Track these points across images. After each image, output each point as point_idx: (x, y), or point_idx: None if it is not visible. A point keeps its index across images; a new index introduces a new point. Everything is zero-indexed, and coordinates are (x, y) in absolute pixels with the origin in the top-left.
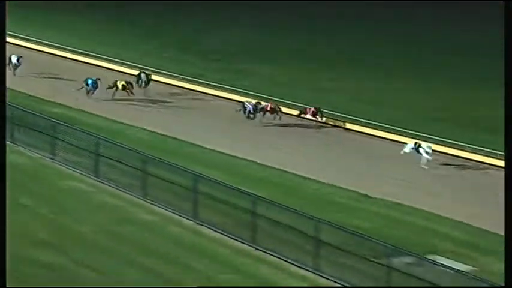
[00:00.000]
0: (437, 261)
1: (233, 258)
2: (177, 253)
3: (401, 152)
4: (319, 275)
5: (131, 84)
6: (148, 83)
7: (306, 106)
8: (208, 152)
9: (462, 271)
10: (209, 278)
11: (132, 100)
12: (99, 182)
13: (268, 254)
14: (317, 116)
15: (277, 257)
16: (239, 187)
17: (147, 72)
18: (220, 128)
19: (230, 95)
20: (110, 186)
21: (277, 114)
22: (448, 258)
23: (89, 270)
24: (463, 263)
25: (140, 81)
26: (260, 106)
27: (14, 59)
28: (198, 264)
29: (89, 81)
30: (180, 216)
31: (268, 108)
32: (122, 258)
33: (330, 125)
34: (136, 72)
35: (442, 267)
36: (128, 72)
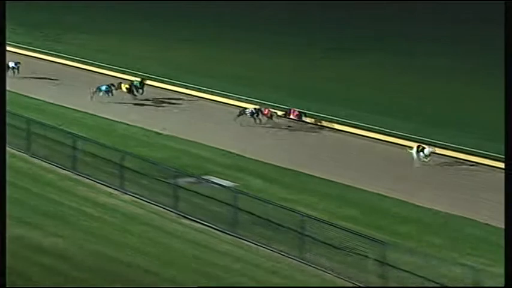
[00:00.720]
0: (211, 180)
1: (59, 182)
2: (16, 179)
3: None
4: (123, 192)
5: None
6: (141, 88)
7: (291, 108)
8: (41, 103)
9: (229, 187)
10: (44, 197)
11: None
12: None
13: (85, 177)
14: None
15: (92, 180)
16: (64, 128)
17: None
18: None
19: (58, 59)
20: None
21: (271, 119)
22: (218, 177)
23: None
24: (229, 180)
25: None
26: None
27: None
28: (34, 187)
29: (102, 88)
30: (15, 150)
31: (265, 112)
32: None
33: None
34: None
35: (214, 184)
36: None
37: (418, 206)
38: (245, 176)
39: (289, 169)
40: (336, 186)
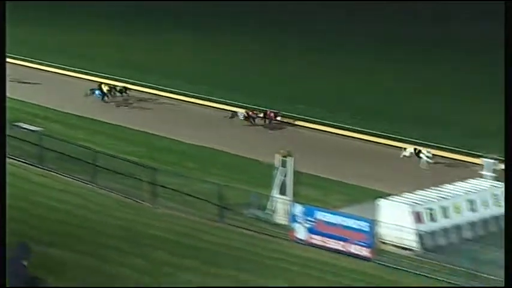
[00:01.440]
0: (22, 125)
1: None
2: None
3: (401, 156)
4: None
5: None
6: (121, 93)
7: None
8: None
9: (36, 130)
10: None
11: None
12: None
13: None
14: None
15: None
16: None
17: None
18: None
19: None
20: None
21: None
22: (28, 124)
23: None
24: (37, 126)
25: (114, 91)
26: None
27: None
28: None
29: (96, 92)
30: None
31: (250, 113)
32: None
33: None
34: None
35: (24, 129)
36: None
37: (182, 142)
38: (49, 122)
39: (86, 117)
40: (124, 130)
